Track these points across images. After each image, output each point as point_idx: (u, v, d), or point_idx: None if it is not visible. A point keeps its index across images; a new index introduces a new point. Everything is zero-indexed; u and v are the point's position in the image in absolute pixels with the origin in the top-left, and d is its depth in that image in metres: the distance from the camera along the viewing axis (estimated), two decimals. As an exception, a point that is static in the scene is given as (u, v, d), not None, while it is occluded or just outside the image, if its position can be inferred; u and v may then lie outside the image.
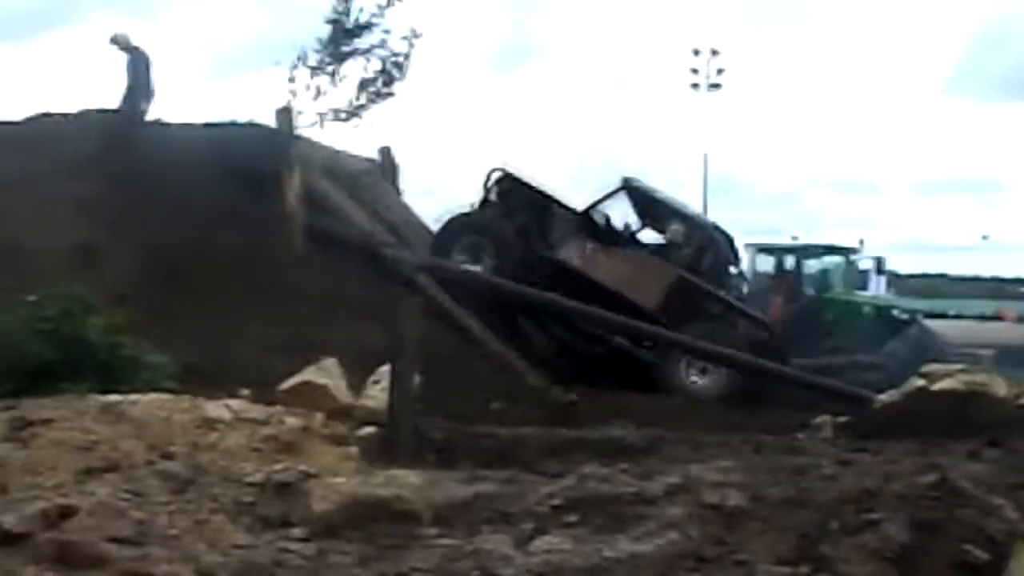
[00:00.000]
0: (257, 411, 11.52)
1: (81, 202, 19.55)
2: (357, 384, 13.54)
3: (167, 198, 19.68)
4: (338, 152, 23.20)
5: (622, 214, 23.23)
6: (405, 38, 22.35)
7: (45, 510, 8.21)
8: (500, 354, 19.86)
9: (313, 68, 22.55)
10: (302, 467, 9.88)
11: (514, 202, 22.73)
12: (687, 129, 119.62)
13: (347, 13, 21.92)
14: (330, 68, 22.27)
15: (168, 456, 10.09)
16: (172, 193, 19.80)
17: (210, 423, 10.96)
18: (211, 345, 16.83)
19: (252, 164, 20.60)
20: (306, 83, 22.52)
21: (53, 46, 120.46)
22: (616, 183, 22.96)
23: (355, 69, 22.59)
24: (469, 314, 20.29)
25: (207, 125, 22.95)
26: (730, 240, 23.77)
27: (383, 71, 22.44)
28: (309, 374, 12.87)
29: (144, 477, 9.43)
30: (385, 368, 12.49)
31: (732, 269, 23.99)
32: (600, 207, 22.93)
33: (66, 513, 8.20)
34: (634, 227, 23.37)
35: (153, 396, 11.77)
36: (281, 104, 21.95)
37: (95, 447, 10.20)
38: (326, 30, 22.48)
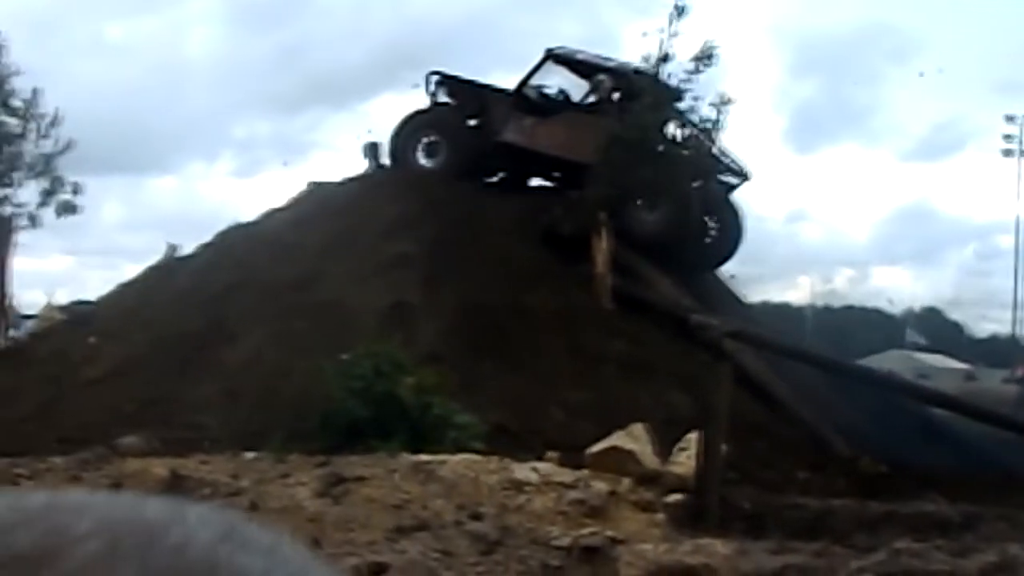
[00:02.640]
0: (565, 474, 11.55)
1: (398, 261, 20.00)
2: (663, 450, 13.42)
3: (479, 259, 19.98)
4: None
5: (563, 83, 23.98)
6: (715, 104, 22.21)
7: (358, 566, 8.37)
8: (808, 422, 19.46)
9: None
10: (609, 532, 9.86)
11: (457, 99, 23.91)
12: (1000, 197, 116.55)
13: (656, 79, 21.93)
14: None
15: (477, 517, 10.18)
16: (484, 254, 20.10)
17: (518, 485, 11.03)
18: (519, 406, 16.93)
19: (562, 228, 20.81)
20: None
21: (373, 112, 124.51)
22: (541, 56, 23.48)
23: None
24: (777, 380, 19.97)
25: (520, 188, 23.43)
26: (655, 77, 22.86)
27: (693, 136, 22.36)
28: (617, 439, 12.80)
29: (454, 537, 9.54)
30: (692, 435, 12.36)
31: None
32: (532, 83, 23.47)
33: (378, 570, 8.35)
34: (571, 93, 23.94)
35: (462, 456, 11.93)
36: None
37: (406, 505, 10.37)
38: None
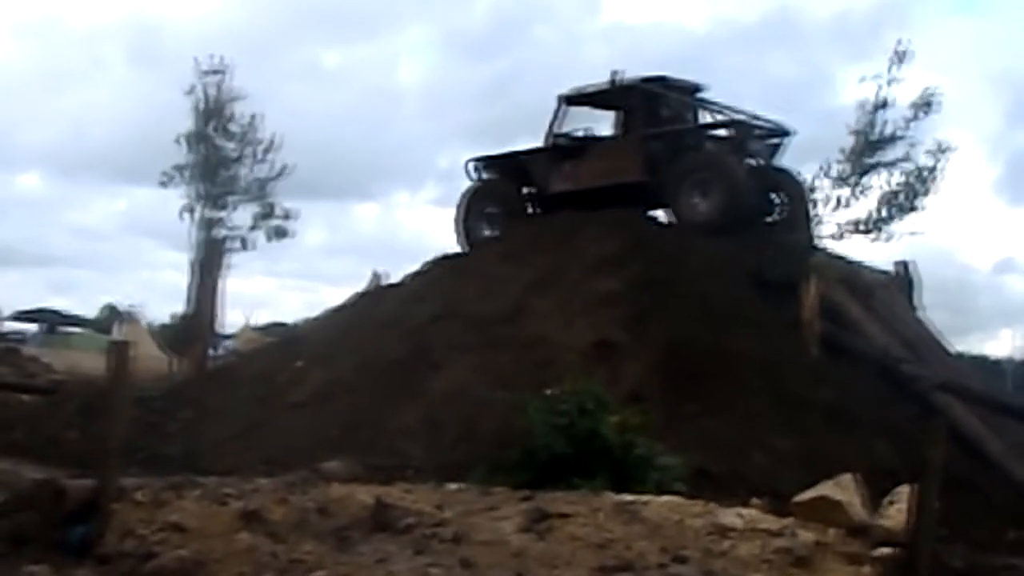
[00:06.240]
0: (770, 522, 11.37)
1: (603, 300, 19.97)
2: (869, 501, 13.13)
3: (685, 300, 19.81)
4: (854, 264, 22.89)
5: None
6: (932, 152, 21.81)
7: (563, 604, 8.34)
8: (1018, 479, 18.95)
9: (836, 179, 22.45)
10: (815, 583, 9.69)
11: (500, 173, 25.09)
12: None
13: (873, 125, 21.62)
14: (852, 179, 22.02)
15: (681, 560, 10.08)
16: (690, 296, 19.93)
17: (723, 530, 10.89)
18: (722, 450, 16.70)
19: (770, 272, 20.57)
20: (827, 193, 22.49)
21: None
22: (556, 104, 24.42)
23: (878, 182, 22.24)
24: (989, 435, 19.49)
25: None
26: (663, 79, 23.56)
27: (907, 185, 21.97)
28: (825, 488, 12.54)
29: (658, 580, 9.45)
30: (902, 488, 12.07)
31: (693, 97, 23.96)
32: (558, 130, 24.32)
33: (583, 609, 8.30)
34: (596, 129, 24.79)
35: (666, 498, 11.83)
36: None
37: (610, 545, 10.31)
38: (851, 141, 22.28)
